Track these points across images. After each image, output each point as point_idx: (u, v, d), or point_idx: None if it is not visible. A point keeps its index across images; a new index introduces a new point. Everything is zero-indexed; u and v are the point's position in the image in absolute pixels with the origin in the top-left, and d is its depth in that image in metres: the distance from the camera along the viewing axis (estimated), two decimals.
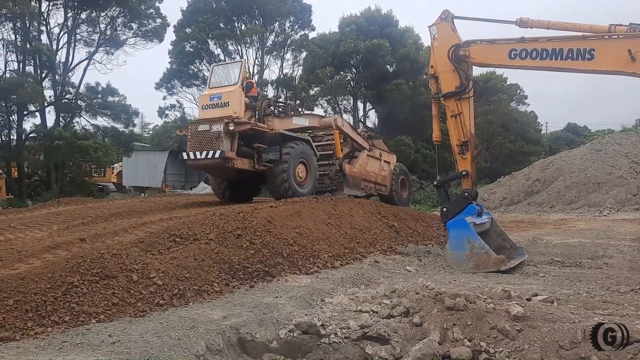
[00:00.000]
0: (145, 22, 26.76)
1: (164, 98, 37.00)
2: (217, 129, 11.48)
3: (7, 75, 24.21)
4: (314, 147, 13.53)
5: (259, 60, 33.21)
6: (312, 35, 34.67)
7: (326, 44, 34.13)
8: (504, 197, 22.47)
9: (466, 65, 9.60)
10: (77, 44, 26.51)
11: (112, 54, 27.62)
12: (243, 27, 31.93)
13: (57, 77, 25.49)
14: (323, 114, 15.41)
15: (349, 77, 36.63)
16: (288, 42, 33.62)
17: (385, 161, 15.83)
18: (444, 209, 9.69)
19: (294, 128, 13.54)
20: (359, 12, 36.61)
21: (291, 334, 5.47)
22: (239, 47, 32.61)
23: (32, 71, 24.87)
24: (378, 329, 5.48)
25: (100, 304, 5.75)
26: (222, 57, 32.52)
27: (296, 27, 33.93)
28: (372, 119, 39.79)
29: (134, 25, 26.87)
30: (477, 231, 9.16)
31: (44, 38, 25.22)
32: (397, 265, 9.14)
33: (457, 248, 9.09)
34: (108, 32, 26.67)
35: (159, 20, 27.22)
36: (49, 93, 25.86)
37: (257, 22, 32.04)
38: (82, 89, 26.60)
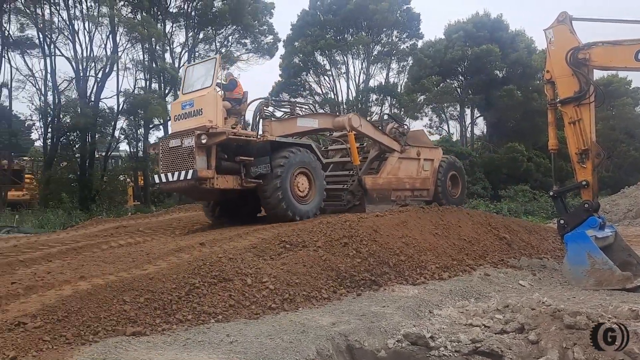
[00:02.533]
0: (258, 38, 28.14)
1: (273, 111, 38.39)
2: (188, 144, 9.73)
3: (137, 92, 26.55)
4: (319, 153, 11.41)
5: (365, 69, 33.49)
6: (419, 43, 34.37)
7: (433, 53, 33.66)
8: (628, 209, 20.73)
9: (586, 69, 9.03)
10: (195, 61, 28.45)
11: (227, 70, 29.31)
12: (350, 38, 32.40)
13: (178, 92, 27.49)
14: (336, 114, 13.22)
15: (455, 84, 35.80)
16: (394, 51, 33.58)
17: (425, 159, 13.25)
18: (562, 221, 9.14)
19: (299, 132, 11.76)
20: (466, 18, 35.74)
21: (399, 344, 5.47)
22: (345, 58, 33.13)
23: (157, 88, 27.07)
24: (490, 344, 5.31)
25: (219, 305, 6.11)
26: (327, 67, 33.24)
27: (404, 36, 33.81)
28: (481, 126, 38.52)
29: (247, 42, 28.38)
30: (600, 245, 8.55)
31: (167, 57, 27.39)
32: (509, 279, 8.78)
33: (576, 263, 8.53)
34: (223, 50, 28.37)
35: (270, 36, 28.54)
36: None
37: (363, 33, 32.36)
38: None
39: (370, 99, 33.77)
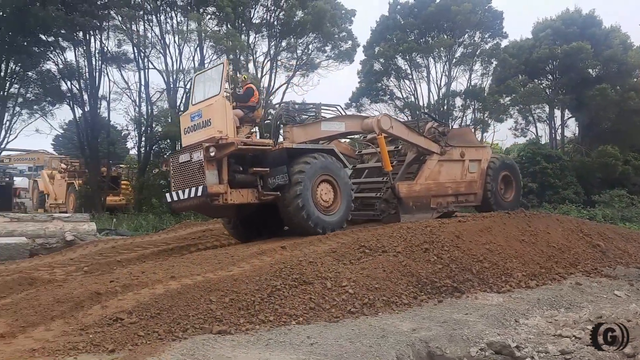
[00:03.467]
0: (338, 44, 28.43)
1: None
2: (197, 158, 9.13)
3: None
4: (343, 159, 10.60)
5: (447, 72, 32.82)
6: (503, 43, 33.20)
7: (518, 52, 32.38)
8: None
9: None
10: (277, 69, 29.21)
11: (307, 77, 29.87)
12: (431, 41, 31.90)
13: (261, 100, 28.40)
14: (366, 115, 11.88)
15: (544, 85, 34.19)
16: (477, 52, 32.66)
17: (471, 160, 12.21)
18: None
19: (324, 137, 10.94)
20: (555, 15, 34.04)
21: (483, 352, 5.33)
22: (426, 61, 32.64)
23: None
24: (582, 357, 5.04)
25: (299, 307, 6.23)
26: (408, 71, 32.87)
27: (486, 36, 32.81)
28: (572, 127, 36.47)
29: (327, 49, 28.74)
30: None
31: (250, 67, 28.29)
32: (603, 289, 8.26)
33: None
34: (304, 57, 28.90)
35: (350, 42, 28.72)
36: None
37: (445, 35, 31.76)
38: None
39: (453, 102, 33.07)
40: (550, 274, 8.57)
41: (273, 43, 28.17)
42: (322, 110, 11.37)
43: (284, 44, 28.33)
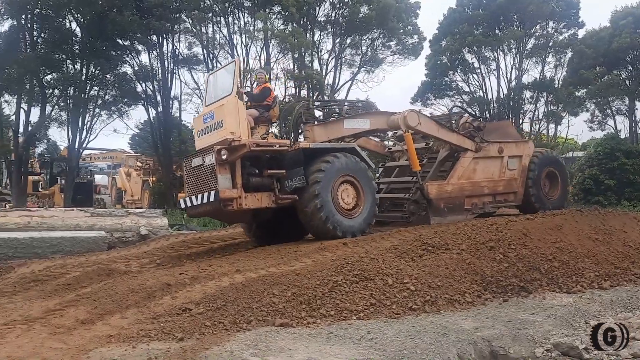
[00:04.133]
0: (403, 39, 28.17)
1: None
2: (210, 162, 8.79)
3: (287, 100, 28.10)
4: (366, 158, 9.95)
5: (517, 65, 31.67)
6: (580, 33, 31.59)
7: (596, 42, 30.70)
8: None
9: None
10: (342, 66, 29.30)
11: (372, 73, 29.77)
12: (500, 33, 30.90)
13: (325, 97, 28.59)
14: (392, 111, 10.70)
15: (623, 76, 32.26)
16: (550, 43, 31.28)
17: (511, 157, 11.25)
18: None
19: (348, 135, 10.38)
20: (635, 3, 31.99)
21: (549, 353, 5.17)
22: (495, 54, 31.64)
23: (305, 95, 28.37)
24: None
25: (360, 303, 6.27)
26: (476, 64, 32.01)
27: (561, 27, 31.35)
28: None
29: (392, 44, 28.54)
30: None
31: (315, 64, 28.56)
32: None
33: None
34: (369, 53, 28.83)
35: (415, 37, 28.41)
36: (318, 112, 29.20)
37: (515, 26, 30.65)
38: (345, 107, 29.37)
39: (524, 96, 31.84)
40: (626, 274, 8.15)
41: (338, 40, 28.28)
42: (344, 107, 10.86)
43: (348, 40, 28.39)
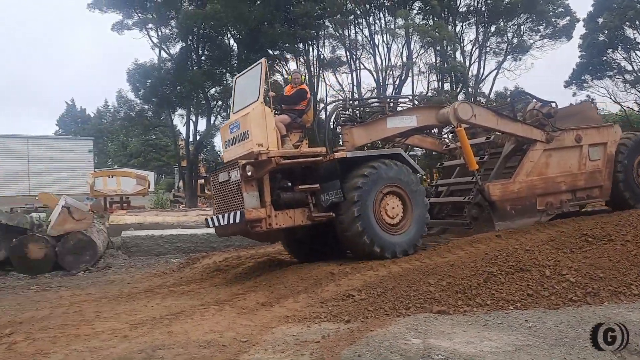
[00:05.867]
0: (553, 22, 26.59)
1: (574, 95, 35.50)
2: (235, 178, 8.00)
3: (430, 93, 28.05)
4: (413, 163, 8.76)
5: None
6: None
7: None
8: None
9: None
10: (486, 56, 28.46)
11: (520, 60, 28.49)
12: None
13: (469, 89, 28.00)
14: (442, 104, 9.41)
15: None
16: None
17: (592, 145, 9.80)
18: None
19: (392, 135, 9.24)
20: None
21: None
22: None
23: (449, 88, 28.04)
24: None
25: (516, 294, 6.35)
26: (638, 40, 28.99)
27: None
28: None
29: (541, 28, 27.08)
30: None
31: (458, 56, 28.10)
32: None
33: None
34: (515, 40, 27.65)
35: (567, 18, 26.63)
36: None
37: None
38: (491, 96, 28.55)
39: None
40: None
41: (481, 29, 27.52)
42: (388, 103, 9.66)
43: (492, 28, 27.49)
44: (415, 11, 26.92)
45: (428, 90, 28.39)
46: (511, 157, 9.90)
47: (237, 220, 7.70)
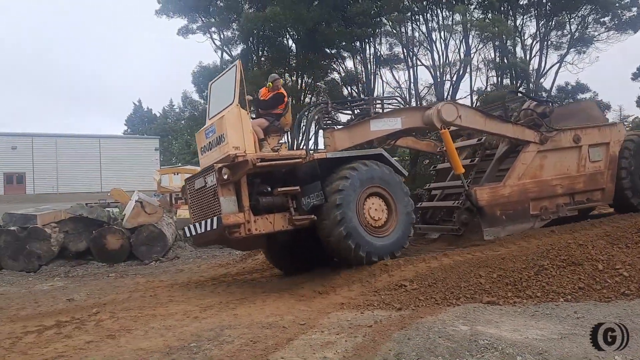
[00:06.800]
0: (620, 13, 25.61)
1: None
2: (212, 183, 7.65)
3: (488, 89, 27.67)
4: (396, 164, 8.48)
5: None
6: None
7: None
8: None
9: None
10: (547, 50, 27.75)
11: (583, 53, 27.60)
12: None
13: (530, 85, 27.39)
14: (427, 105, 9.26)
15: None
16: None
17: (592, 145, 9.33)
18: None
19: (376, 138, 8.81)
20: None
21: None
22: None
23: (509, 83, 27.55)
24: None
25: (567, 287, 6.46)
26: None
27: None
28: None
29: (606, 20, 26.13)
30: None
31: (518, 51, 27.57)
32: None
33: None
34: (577, 33, 26.83)
35: (634, 9, 25.60)
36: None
37: None
38: (553, 91, 27.82)
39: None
40: None
41: (542, 22, 26.87)
42: (373, 105, 9.14)
43: (554, 21, 26.78)
44: (473, 6, 26.60)
45: (487, 85, 28.04)
46: (505, 159, 9.55)
47: (215, 227, 7.40)
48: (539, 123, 9.26)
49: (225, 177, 7.32)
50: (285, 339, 5.22)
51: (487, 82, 28.34)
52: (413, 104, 27.30)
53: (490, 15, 26.11)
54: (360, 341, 5.01)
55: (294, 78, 28.55)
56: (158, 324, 6.11)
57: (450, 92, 27.26)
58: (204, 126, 8.41)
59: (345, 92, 29.85)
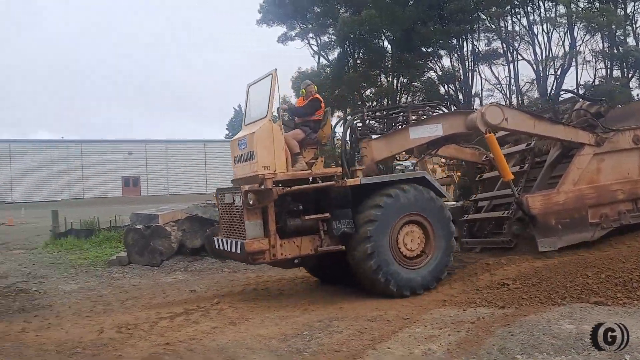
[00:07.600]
0: None
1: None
2: (239, 203, 7.22)
3: (597, 82, 26.06)
4: (438, 186, 7.74)
5: None
6: None
7: None
8: None
9: None
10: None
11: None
12: None
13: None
14: (470, 110, 7.99)
15: None
16: None
17: None
18: None
19: (415, 146, 8.25)
20: None
21: None
22: None
23: (620, 75, 25.80)
24: None
25: None
26: None
27: None
28: None
29: None
30: None
31: (630, 40, 25.74)
32: None
33: None
34: None
35: None
36: (636, 92, 26.20)
37: None
38: None
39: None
40: None
41: None
42: (411, 112, 8.57)
43: None
44: None
45: (595, 78, 26.45)
46: (557, 165, 8.98)
47: (238, 251, 7.15)
48: (593, 124, 8.64)
49: (251, 202, 6.95)
50: (390, 331, 5.56)
51: (595, 75, 26.75)
52: (514, 101, 26.47)
53: (597, 4, 24.66)
54: (463, 336, 5.23)
55: (389, 79, 28.67)
56: (272, 314, 6.69)
57: (554, 86, 26.10)
58: (238, 135, 8.13)
59: (442, 90, 29.50)
